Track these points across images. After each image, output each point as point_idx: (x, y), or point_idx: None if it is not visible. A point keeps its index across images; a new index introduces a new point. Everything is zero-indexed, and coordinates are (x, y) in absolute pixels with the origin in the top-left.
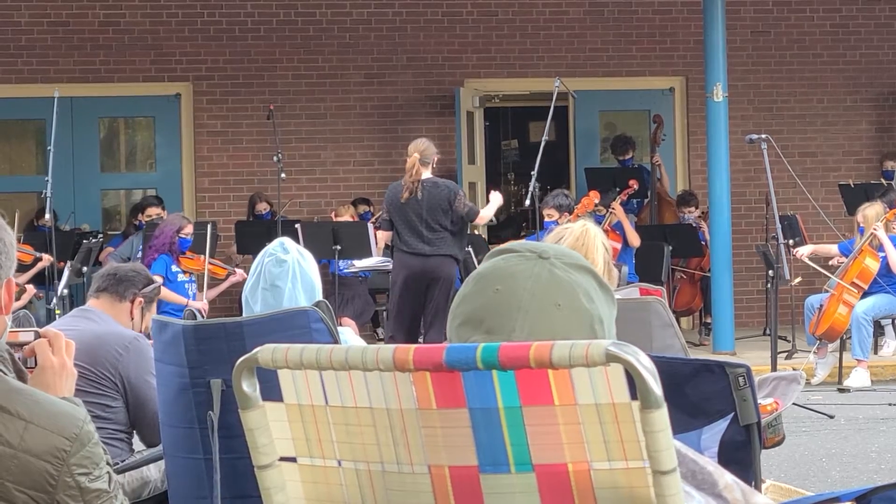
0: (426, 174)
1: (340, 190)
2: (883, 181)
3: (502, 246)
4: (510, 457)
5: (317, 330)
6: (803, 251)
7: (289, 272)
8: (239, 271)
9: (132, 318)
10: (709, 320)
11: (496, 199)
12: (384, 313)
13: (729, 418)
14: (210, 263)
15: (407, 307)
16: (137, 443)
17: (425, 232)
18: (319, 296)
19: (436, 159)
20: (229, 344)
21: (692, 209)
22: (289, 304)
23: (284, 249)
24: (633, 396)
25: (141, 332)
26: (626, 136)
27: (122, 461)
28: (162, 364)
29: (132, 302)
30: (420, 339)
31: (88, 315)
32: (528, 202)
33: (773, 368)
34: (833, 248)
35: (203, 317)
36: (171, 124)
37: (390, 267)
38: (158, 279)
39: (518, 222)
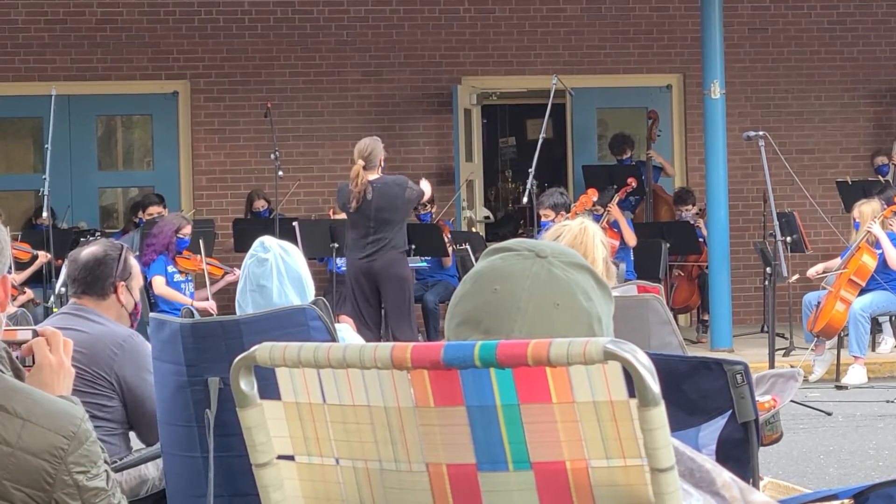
0: (373, 175)
1: (338, 188)
2: (880, 178)
3: (500, 244)
4: (508, 455)
5: (314, 328)
6: (814, 270)
7: (272, 270)
8: (236, 270)
9: (123, 305)
10: (706, 317)
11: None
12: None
13: (727, 415)
14: (207, 264)
15: (363, 309)
16: (136, 442)
17: (373, 234)
18: (310, 287)
19: (383, 158)
20: (227, 342)
21: (689, 207)
22: (279, 300)
23: (264, 248)
24: (631, 394)
25: (135, 310)
26: (624, 135)
27: (120, 459)
28: (160, 362)
29: (115, 291)
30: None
31: (82, 313)
32: (525, 199)
33: (771, 366)
34: (837, 261)
35: (214, 312)
36: (169, 122)
37: None
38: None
39: (516, 220)
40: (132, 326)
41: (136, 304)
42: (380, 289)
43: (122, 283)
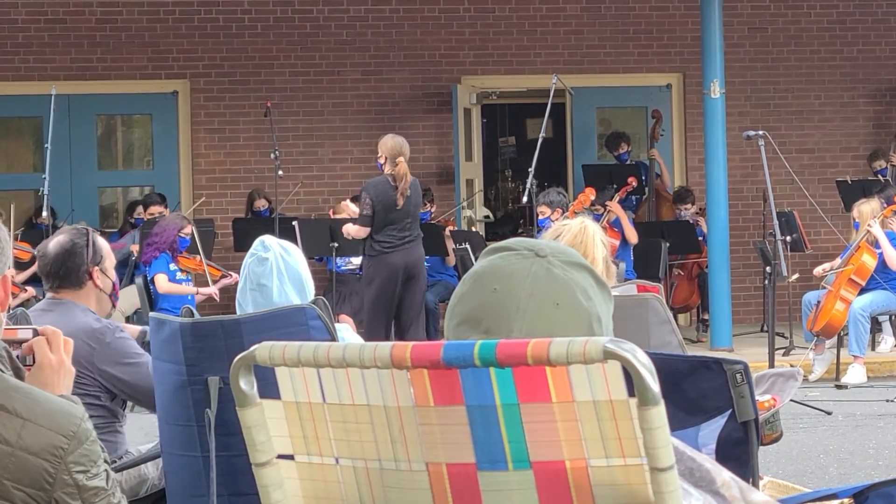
0: None
1: (338, 187)
2: (879, 177)
3: (499, 244)
4: (508, 454)
5: (314, 327)
6: (821, 268)
7: (273, 269)
8: (234, 275)
9: (101, 289)
10: (706, 317)
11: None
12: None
13: (726, 415)
14: (207, 265)
15: (386, 306)
16: (135, 441)
17: (408, 229)
18: (309, 287)
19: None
20: (227, 342)
21: (688, 206)
22: (279, 300)
23: (265, 247)
24: (631, 393)
25: (114, 290)
26: (618, 132)
27: (118, 456)
28: (159, 361)
29: (91, 278)
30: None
31: (55, 307)
32: (525, 199)
33: (771, 365)
34: (839, 261)
35: (217, 299)
36: (169, 121)
37: None
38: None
39: (515, 219)
40: (113, 307)
41: (113, 285)
42: (405, 286)
43: (96, 267)
